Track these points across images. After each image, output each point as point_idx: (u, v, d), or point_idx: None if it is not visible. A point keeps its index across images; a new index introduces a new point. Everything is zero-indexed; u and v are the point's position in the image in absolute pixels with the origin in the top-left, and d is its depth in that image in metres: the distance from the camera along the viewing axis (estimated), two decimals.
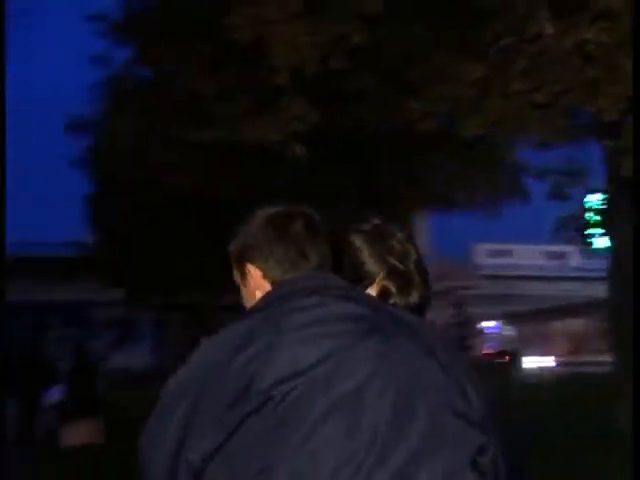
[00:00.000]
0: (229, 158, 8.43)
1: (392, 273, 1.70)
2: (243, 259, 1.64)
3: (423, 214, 12.44)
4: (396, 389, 1.32)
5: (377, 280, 1.70)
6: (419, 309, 1.70)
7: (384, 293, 1.69)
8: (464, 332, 38.06)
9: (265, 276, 1.61)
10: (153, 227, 15.86)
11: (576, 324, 46.66)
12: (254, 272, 1.62)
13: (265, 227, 1.63)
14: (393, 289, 1.70)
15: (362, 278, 1.70)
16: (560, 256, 47.71)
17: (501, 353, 40.00)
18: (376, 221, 1.77)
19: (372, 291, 1.69)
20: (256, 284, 1.62)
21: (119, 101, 11.39)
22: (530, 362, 38.55)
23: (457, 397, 1.36)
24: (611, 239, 9.16)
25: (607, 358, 10.34)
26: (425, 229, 18.79)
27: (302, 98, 6.57)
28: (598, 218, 10.31)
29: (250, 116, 6.82)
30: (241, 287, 1.67)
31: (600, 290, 11.18)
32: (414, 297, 1.70)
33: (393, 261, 1.70)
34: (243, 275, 1.64)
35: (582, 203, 10.55)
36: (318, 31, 6.53)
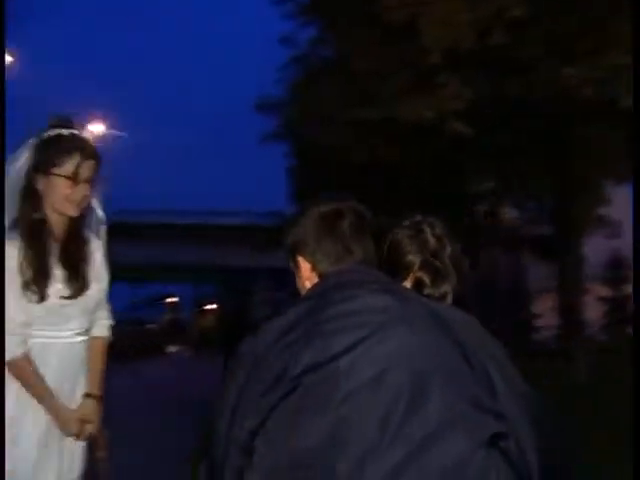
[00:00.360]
0: (390, 135, 8.72)
1: (425, 265, 1.84)
2: (295, 251, 1.82)
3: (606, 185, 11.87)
4: (413, 376, 1.44)
5: (412, 272, 1.85)
6: (456, 300, 1.83)
7: (418, 284, 1.84)
8: None
9: (314, 268, 1.77)
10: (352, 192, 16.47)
11: None
12: (303, 264, 1.79)
13: (315, 223, 1.80)
14: (427, 281, 1.84)
15: (401, 270, 1.85)
16: None
17: None
18: (417, 217, 1.93)
19: (408, 283, 1.84)
20: (306, 275, 1.78)
21: (306, 81, 11.98)
22: None
23: (475, 386, 1.47)
24: None
25: None
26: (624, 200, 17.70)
27: (458, 76, 6.70)
28: None
29: (406, 95, 7.05)
30: (296, 276, 1.83)
31: None
32: (445, 288, 1.83)
33: (427, 254, 1.85)
34: (296, 266, 1.80)
35: None
36: (475, 8, 6.60)
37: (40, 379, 2.40)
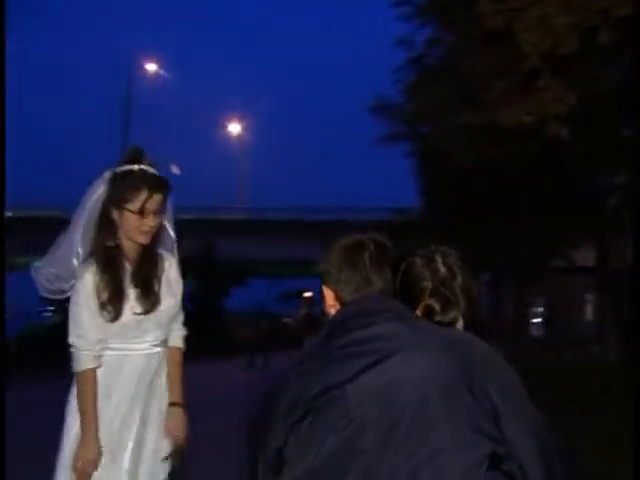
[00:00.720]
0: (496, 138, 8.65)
1: (435, 293, 1.95)
2: (322, 281, 2.06)
3: None
4: (417, 401, 1.60)
5: (424, 299, 1.96)
6: (468, 326, 1.93)
7: (429, 311, 1.94)
8: None
9: (337, 296, 2.01)
10: (469, 193, 16.41)
11: None
12: (327, 292, 2.04)
13: (338, 255, 2.03)
14: (437, 308, 1.94)
15: (414, 297, 1.96)
16: None
17: None
18: (431, 247, 2.05)
19: (419, 309, 1.95)
20: (330, 302, 2.03)
21: (422, 82, 12.06)
22: None
23: (475, 412, 1.61)
24: None
25: None
26: None
27: (559, 79, 6.59)
28: None
29: (506, 99, 7.02)
30: (324, 302, 2.06)
31: None
32: (453, 315, 1.93)
33: (437, 282, 1.95)
34: (322, 293, 2.05)
35: None
36: (576, 10, 6.46)
37: (93, 398, 2.65)
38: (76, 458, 2.63)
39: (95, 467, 2.64)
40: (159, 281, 2.81)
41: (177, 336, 2.93)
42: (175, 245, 2.95)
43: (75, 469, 2.63)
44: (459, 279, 1.96)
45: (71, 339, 2.67)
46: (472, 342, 1.79)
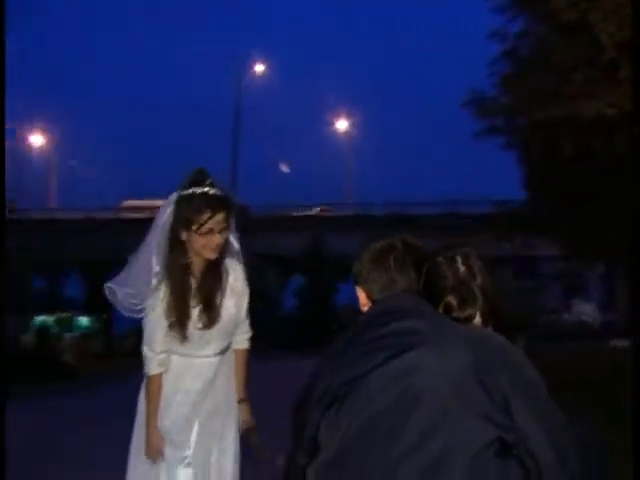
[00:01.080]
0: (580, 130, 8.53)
1: (453, 291, 2.06)
2: (355, 281, 2.26)
3: None
4: (432, 391, 1.77)
5: (444, 296, 2.09)
6: (485, 323, 2.07)
7: (447, 308, 2.07)
8: None
9: (367, 296, 2.20)
10: (574, 183, 16.05)
11: None
12: (360, 292, 2.24)
13: (368, 258, 2.24)
14: (454, 304, 2.05)
15: (436, 294, 2.10)
16: None
17: None
18: (454, 247, 2.18)
19: (440, 307, 2.09)
20: (363, 302, 2.22)
21: (514, 75, 11.97)
22: None
23: (485, 402, 1.76)
24: None
25: None
26: None
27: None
28: None
29: (586, 91, 6.95)
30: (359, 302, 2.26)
31: None
32: (469, 312, 2.05)
33: (456, 281, 2.08)
34: (356, 293, 2.24)
35: None
36: None
37: (158, 398, 3.01)
38: (145, 448, 3.01)
39: (160, 453, 2.99)
40: (222, 293, 3.03)
41: (243, 339, 3.22)
42: (240, 254, 3.19)
43: (147, 455, 3.02)
44: (478, 278, 2.09)
45: (143, 348, 3.03)
46: (489, 338, 1.95)
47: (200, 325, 2.98)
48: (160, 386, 3.02)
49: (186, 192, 2.94)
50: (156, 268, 3.01)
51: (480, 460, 1.74)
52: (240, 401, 3.15)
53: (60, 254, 23.46)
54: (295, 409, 2.21)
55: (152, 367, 3.00)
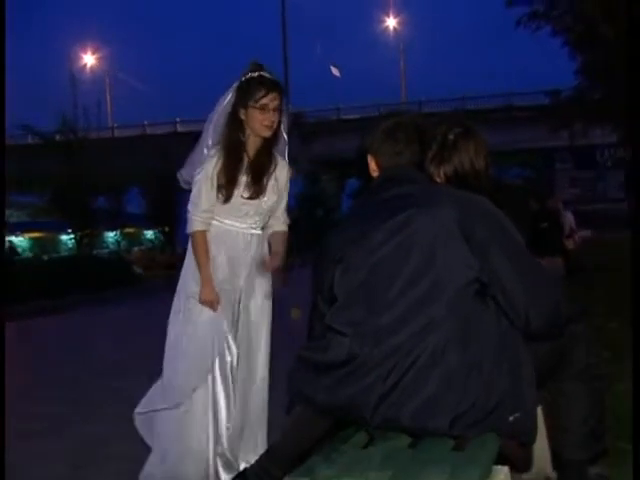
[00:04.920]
0: None
1: (436, 154, 2.63)
2: (367, 151, 2.69)
3: None
4: (423, 242, 2.25)
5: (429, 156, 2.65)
6: (477, 189, 2.53)
7: (447, 177, 2.61)
8: None
9: (377, 164, 2.67)
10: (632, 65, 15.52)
11: None
12: (370, 161, 2.68)
13: (380, 131, 2.67)
14: (433, 162, 2.62)
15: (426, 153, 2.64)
16: None
17: None
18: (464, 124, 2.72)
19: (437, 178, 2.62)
20: (372, 168, 2.68)
21: None
22: None
23: (465, 249, 2.23)
24: None
25: None
26: None
27: None
28: None
29: None
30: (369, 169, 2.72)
31: None
32: (443, 170, 2.60)
33: (440, 145, 2.63)
34: (368, 161, 2.69)
35: None
36: None
37: (205, 254, 3.31)
38: (200, 300, 3.28)
39: (216, 302, 3.26)
40: (268, 176, 3.36)
41: (282, 223, 3.53)
42: (286, 147, 3.52)
43: (203, 302, 3.29)
44: (469, 153, 2.60)
45: (189, 206, 3.35)
46: (472, 198, 2.36)
47: (246, 194, 3.32)
48: (204, 242, 3.33)
49: (245, 77, 3.33)
50: (209, 142, 3.38)
51: (462, 293, 2.19)
52: (277, 270, 3.45)
53: (120, 171, 23.94)
54: (314, 266, 2.55)
55: (195, 224, 3.35)
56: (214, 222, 3.35)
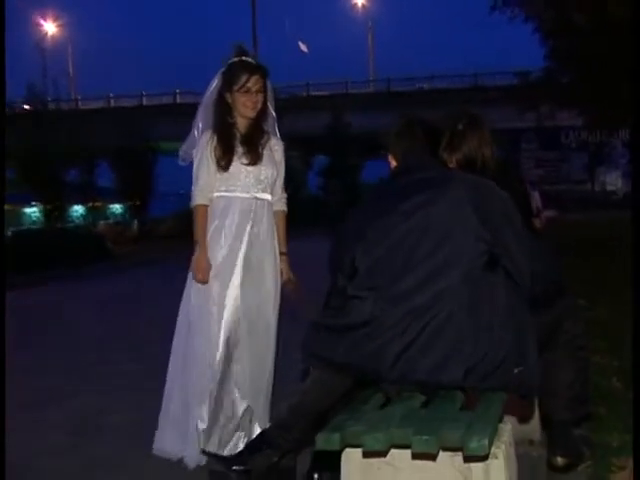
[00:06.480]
0: None
1: (449, 142, 3.05)
2: (387, 149, 3.12)
3: None
4: (439, 222, 2.54)
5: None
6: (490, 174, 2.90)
7: (459, 163, 3.00)
8: None
9: (395, 159, 3.07)
10: (608, 49, 15.87)
11: None
12: (391, 158, 3.09)
13: (395, 130, 3.13)
14: (447, 149, 3.02)
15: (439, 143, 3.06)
16: None
17: None
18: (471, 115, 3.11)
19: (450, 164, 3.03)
20: (393, 164, 3.08)
21: None
22: None
23: (480, 227, 2.53)
24: None
25: None
26: None
27: None
28: None
29: None
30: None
31: None
32: (455, 157, 3.00)
33: (451, 134, 3.03)
34: (386, 156, 3.13)
35: None
36: None
37: (203, 229, 3.53)
38: (194, 270, 3.50)
39: (207, 273, 3.47)
40: (263, 146, 3.58)
41: (281, 202, 3.74)
42: (275, 123, 3.73)
43: (197, 279, 3.51)
44: (473, 141, 3.00)
45: (193, 184, 3.59)
46: (484, 182, 2.69)
47: (245, 161, 3.54)
48: (205, 216, 3.56)
49: (228, 62, 3.57)
50: (199, 125, 3.64)
51: (475, 264, 2.49)
52: (281, 254, 3.68)
53: (87, 144, 23.71)
54: (332, 246, 2.77)
55: (196, 198, 3.58)
56: (221, 194, 3.56)
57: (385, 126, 3.54)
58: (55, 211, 22.60)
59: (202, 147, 3.56)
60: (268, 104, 3.65)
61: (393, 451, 2.21)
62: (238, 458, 2.88)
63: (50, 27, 56.20)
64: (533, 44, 19.90)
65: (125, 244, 22.42)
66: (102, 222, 28.55)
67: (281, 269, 3.66)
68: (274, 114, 3.71)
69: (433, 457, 2.17)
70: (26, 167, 22.50)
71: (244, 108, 3.52)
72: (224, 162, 3.51)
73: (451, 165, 2.97)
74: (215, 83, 3.61)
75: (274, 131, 3.71)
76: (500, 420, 2.39)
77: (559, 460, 3.05)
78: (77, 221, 27.67)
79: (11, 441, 3.38)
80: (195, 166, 3.60)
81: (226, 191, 3.55)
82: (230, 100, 3.53)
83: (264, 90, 3.58)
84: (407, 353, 2.39)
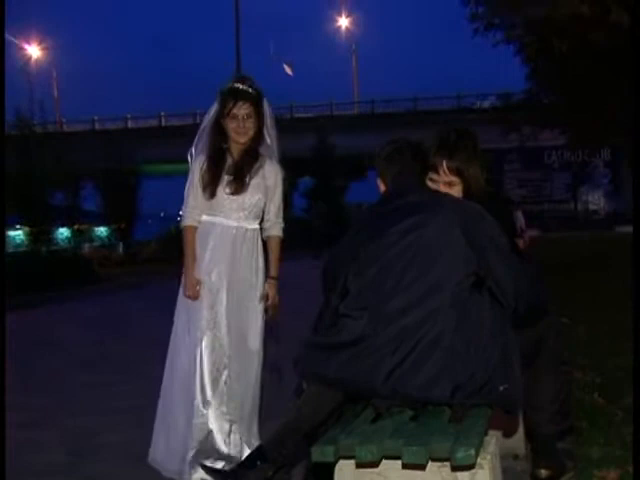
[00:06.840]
0: None
1: (434, 165, 3.11)
2: (377, 174, 3.20)
3: None
4: (426, 244, 2.66)
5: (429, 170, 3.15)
6: (475, 199, 2.98)
7: (450, 170, 3.08)
8: None
9: (384, 183, 3.14)
10: (588, 72, 16.15)
11: None
12: (380, 182, 3.17)
13: (383, 155, 3.17)
14: (435, 173, 3.09)
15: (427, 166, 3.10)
16: None
17: None
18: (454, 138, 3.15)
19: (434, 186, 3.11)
20: (382, 188, 3.14)
21: None
22: None
23: (467, 250, 2.65)
24: None
25: None
26: None
27: None
28: None
29: None
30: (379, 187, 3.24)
31: None
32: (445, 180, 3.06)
33: (438, 158, 3.09)
34: (378, 182, 3.20)
35: None
36: None
37: (192, 246, 3.67)
38: (184, 286, 3.64)
39: (197, 291, 3.60)
40: (252, 175, 3.67)
41: (276, 228, 3.82)
42: (276, 148, 3.79)
43: (186, 295, 3.64)
44: (455, 158, 3.06)
45: (183, 205, 3.72)
46: (472, 206, 2.80)
47: (228, 190, 3.66)
48: (193, 237, 3.70)
49: (221, 89, 3.70)
50: (192, 151, 3.76)
51: (463, 286, 2.62)
52: (271, 278, 3.76)
53: (72, 167, 23.74)
54: (325, 268, 2.89)
55: (185, 220, 3.73)
56: (205, 218, 3.70)
57: (369, 147, 3.66)
58: (41, 234, 22.53)
59: (194, 171, 3.70)
60: (264, 130, 3.72)
61: (384, 462, 2.31)
62: (233, 473, 2.96)
63: (34, 51, 56.23)
64: (515, 66, 20.28)
65: (110, 267, 22.38)
66: (87, 245, 28.53)
67: (267, 293, 3.73)
68: (271, 140, 3.77)
69: (422, 467, 2.28)
70: (12, 190, 22.46)
71: (234, 134, 3.65)
72: (208, 191, 3.64)
73: (441, 172, 3.05)
74: (214, 107, 3.72)
75: (272, 156, 3.77)
76: (485, 434, 2.50)
77: (542, 472, 3.17)
78: (62, 244, 27.62)
79: (9, 461, 3.43)
80: (186, 188, 3.73)
81: (209, 215, 3.70)
82: (225, 126, 3.66)
83: (257, 115, 3.66)
84: (398, 371, 2.50)
